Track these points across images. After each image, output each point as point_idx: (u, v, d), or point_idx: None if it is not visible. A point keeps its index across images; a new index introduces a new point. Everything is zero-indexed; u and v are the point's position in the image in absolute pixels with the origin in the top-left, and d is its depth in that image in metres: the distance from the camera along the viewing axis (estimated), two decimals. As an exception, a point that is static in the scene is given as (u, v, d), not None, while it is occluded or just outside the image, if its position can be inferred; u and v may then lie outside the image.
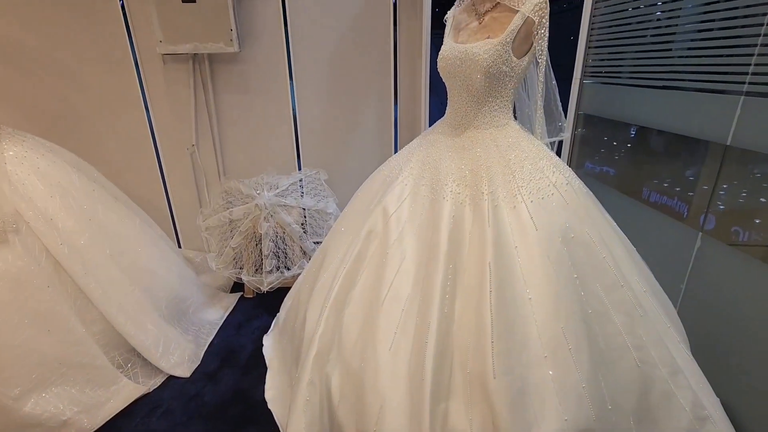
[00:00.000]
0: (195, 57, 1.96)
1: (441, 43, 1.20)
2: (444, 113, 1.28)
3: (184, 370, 1.61)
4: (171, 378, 1.58)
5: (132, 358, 1.59)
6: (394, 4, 1.93)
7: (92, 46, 1.92)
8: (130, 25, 1.91)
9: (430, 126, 1.93)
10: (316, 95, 2.08)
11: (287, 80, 2.04)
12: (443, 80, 1.19)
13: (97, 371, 1.45)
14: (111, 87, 2.00)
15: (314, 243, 1.98)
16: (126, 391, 1.49)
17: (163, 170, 2.20)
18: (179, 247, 2.38)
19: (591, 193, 1.15)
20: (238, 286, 2.15)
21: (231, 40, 1.85)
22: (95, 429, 1.37)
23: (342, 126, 2.15)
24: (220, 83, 2.03)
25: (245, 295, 2.09)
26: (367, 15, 1.95)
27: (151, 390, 1.53)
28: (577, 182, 1.12)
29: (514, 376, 0.91)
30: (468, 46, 1.07)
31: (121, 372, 1.53)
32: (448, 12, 1.21)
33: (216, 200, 2.08)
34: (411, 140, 1.34)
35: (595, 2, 1.79)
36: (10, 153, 1.45)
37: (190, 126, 2.08)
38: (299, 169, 2.20)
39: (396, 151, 2.16)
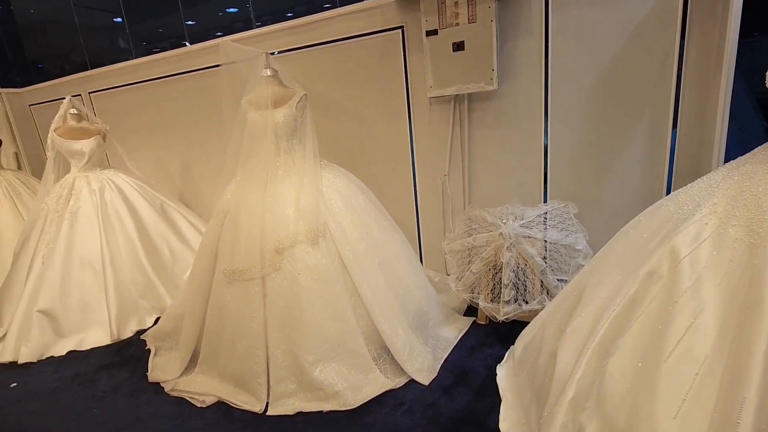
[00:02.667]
0: (456, 97, 2.19)
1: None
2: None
3: (424, 378, 1.75)
4: (412, 381, 1.75)
5: (383, 355, 1.84)
6: (683, 20, 1.68)
7: (379, 98, 2.41)
8: (408, 78, 2.31)
9: (726, 156, 1.57)
10: (572, 126, 2.00)
11: (542, 113, 2.03)
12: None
13: (360, 359, 1.74)
14: (388, 128, 2.44)
15: (558, 280, 1.86)
16: (379, 382, 1.72)
17: (417, 196, 2.52)
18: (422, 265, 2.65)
19: None
20: (470, 311, 2.22)
21: (491, 79, 1.99)
22: (356, 406, 1.63)
23: (599, 157, 1.98)
24: (476, 119, 2.20)
25: (478, 321, 2.13)
26: (642, 36, 1.76)
27: (396, 387, 1.72)
28: None
29: None
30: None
31: (375, 365, 1.79)
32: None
33: (459, 226, 2.23)
34: (691, 174, 1.11)
35: None
36: (325, 179, 1.94)
37: (445, 158, 2.32)
38: (545, 201, 2.13)
39: (669, 186, 1.84)
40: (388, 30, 2.26)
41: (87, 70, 3.71)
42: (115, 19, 3.91)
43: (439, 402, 1.63)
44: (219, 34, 3.28)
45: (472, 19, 1.94)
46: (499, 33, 1.95)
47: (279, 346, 1.69)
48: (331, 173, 1.97)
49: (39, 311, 2.26)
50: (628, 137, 1.90)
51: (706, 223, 0.97)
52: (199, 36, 3.39)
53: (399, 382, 1.74)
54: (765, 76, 1.02)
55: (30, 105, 4.12)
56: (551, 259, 1.91)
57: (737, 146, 1.59)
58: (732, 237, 0.92)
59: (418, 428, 1.51)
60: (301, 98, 1.89)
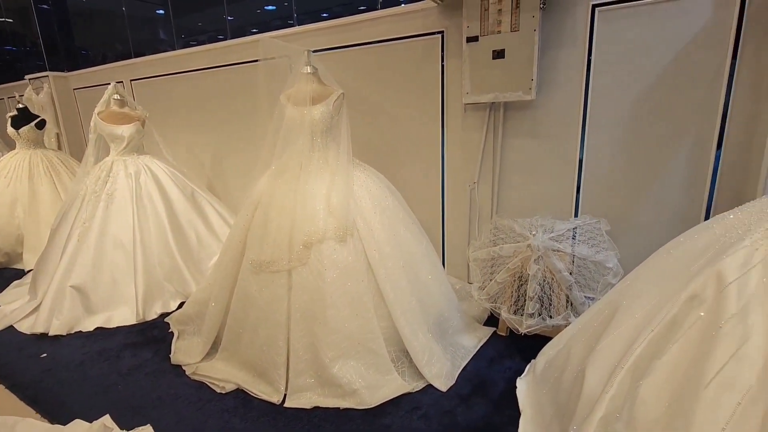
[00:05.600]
0: (492, 105, 2.18)
1: None
2: None
3: (441, 384, 1.74)
4: (429, 387, 1.73)
5: (402, 357, 1.83)
6: (736, 38, 1.63)
7: (415, 101, 2.42)
8: (444, 83, 2.31)
9: (773, 181, 1.51)
10: (610, 142, 1.96)
11: (579, 126, 2.00)
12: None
13: (379, 359, 1.74)
14: (421, 131, 2.45)
15: (585, 297, 1.83)
16: (396, 384, 1.72)
17: (444, 201, 2.51)
18: (443, 271, 2.64)
19: None
20: (490, 321, 2.19)
21: (530, 88, 1.97)
22: (373, 406, 1.63)
23: (636, 174, 1.93)
24: (510, 128, 2.18)
25: (498, 332, 2.11)
26: (693, 53, 1.72)
27: (414, 391, 1.71)
28: None
29: None
30: None
31: (393, 366, 1.78)
32: None
33: (486, 235, 2.21)
34: (734, 197, 1.07)
35: None
36: (357, 178, 1.95)
37: (475, 165, 2.31)
38: (575, 215, 2.09)
39: (709, 208, 1.79)
40: (429, 34, 2.27)
41: (130, 58, 3.85)
42: (158, 11, 4.05)
43: (456, 410, 1.61)
44: (254, 30, 3.35)
45: (514, 28, 1.93)
46: (541, 42, 1.93)
47: (300, 340, 1.70)
48: (363, 173, 1.99)
49: (72, 286, 2.35)
50: (669, 156, 1.85)
51: (758, 249, 0.93)
52: (236, 31, 3.48)
53: (416, 386, 1.73)
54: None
55: (74, 89, 4.29)
56: (579, 275, 1.88)
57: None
58: (785, 265, 0.88)
59: (434, 434, 1.50)
60: (338, 97, 1.91)
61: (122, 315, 2.37)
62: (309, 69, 1.95)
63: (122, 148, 2.73)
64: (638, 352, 1.00)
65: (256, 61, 2.77)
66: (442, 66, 2.29)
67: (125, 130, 2.70)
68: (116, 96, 2.77)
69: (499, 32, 1.97)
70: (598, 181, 2.03)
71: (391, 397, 1.67)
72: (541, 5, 1.86)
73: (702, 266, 1.00)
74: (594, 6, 1.85)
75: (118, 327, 2.32)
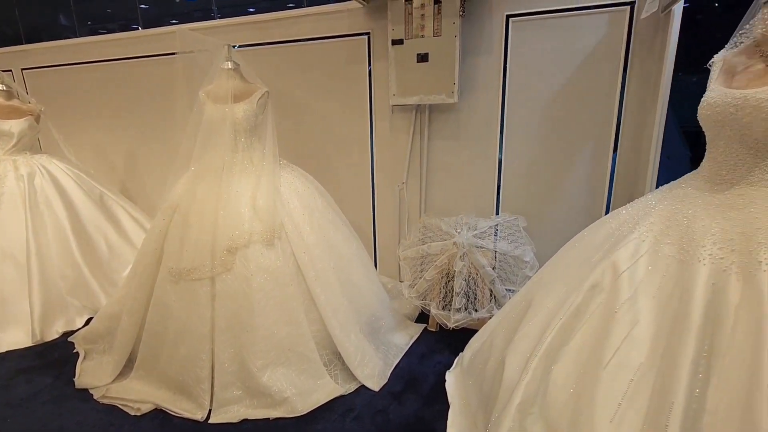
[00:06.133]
0: (418, 107, 2.23)
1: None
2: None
3: (374, 384, 1.75)
4: (362, 388, 1.74)
5: (334, 360, 1.81)
6: (626, 52, 1.83)
7: (342, 102, 2.40)
8: (372, 84, 2.32)
9: (657, 181, 1.72)
10: (525, 142, 2.10)
11: (498, 128, 2.12)
12: (704, 130, 1.05)
13: (310, 364, 1.71)
14: (350, 131, 2.44)
15: (506, 290, 1.94)
16: (328, 388, 1.70)
17: (375, 202, 2.53)
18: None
19: None
20: (421, 318, 2.25)
21: (452, 92, 2.05)
22: (304, 413, 1.60)
23: (548, 176, 2.10)
24: (435, 130, 2.26)
25: (429, 328, 2.17)
26: (591, 65, 1.90)
27: (346, 393, 1.70)
28: None
29: None
30: (749, 92, 0.92)
31: (326, 370, 1.76)
32: (716, 56, 1.08)
33: (415, 234, 2.27)
34: (627, 196, 1.21)
35: None
36: (284, 179, 1.90)
37: (403, 166, 2.35)
38: (497, 213, 2.22)
39: (609, 204, 1.99)
40: (356, 35, 2.27)
41: (21, 44, 3.38)
42: (57, -7, 3.60)
43: (389, 408, 1.63)
44: (173, 21, 3.12)
45: (437, 33, 2.00)
46: (462, 48, 2.01)
47: (226, 350, 1.61)
48: (291, 173, 1.94)
49: (-54, 307, 2.02)
50: (575, 158, 2.03)
51: (644, 240, 1.06)
52: (151, 21, 3.21)
53: (349, 388, 1.73)
54: (689, 109, 1.12)
55: (-52, 77, 3.68)
56: (500, 270, 1.99)
57: (666, 173, 1.76)
58: (665, 254, 1.01)
59: (367, 435, 1.50)
60: (263, 95, 1.84)
61: (13, 337, 2.08)
62: (230, 65, 1.85)
63: (11, 146, 2.39)
64: (549, 340, 1.08)
65: (174, 54, 2.58)
66: (370, 67, 2.30)
67: (14, 125, 2.38)
68: (1, 86, 2.42)
69: (423, 36, 2.02)
70: (516, 181, 2.17)
71: (324, 402, 1.65)
72: (461, 13, 1.94)
73: (601, 257, 1.11)
74: (508, 16, 1.97)
75: (8, 351, 2.03)
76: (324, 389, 1.69)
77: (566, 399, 1.00)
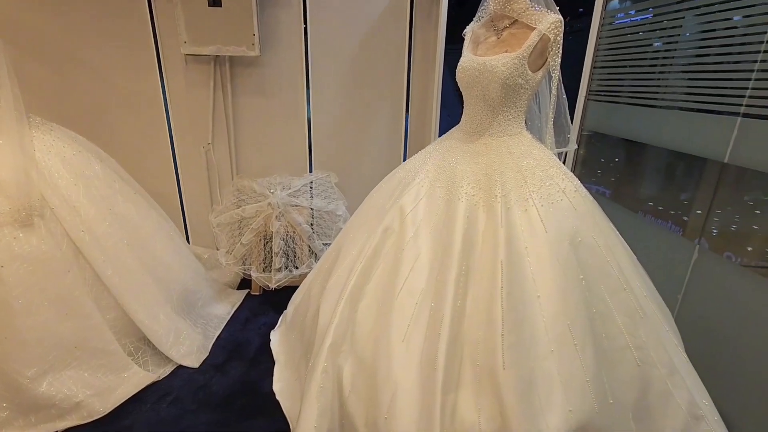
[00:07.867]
0: (217, 59, 2.03)
1: (453, 59, 1.29)
2: (451, 126, 1.37)
3: (193, 361, 1.65)
4: (180, 367, 1.62)
5: (142, 346, 1.62)
6: (410, 19, 2.02)
7: (118, 43, 1.99)
8: (156, 25, 1.99)
9: (439, 136, 2.02)
10: (331, 101, 2.16)
11: (304, 85, 2.11)
12: (461, 90, 1.26)
13: (110, 357, 1.49)
14: (134, 84, 2.06)
15: (323, 244, 2.03)
16: (137, 378, 1.52)
17: (177, 167, 2.25)
18: (188, 243, 2.42)
19: (595, 201, 1.22)
20: (244, 284, 2.19)
21: (253, 44, 1.93)
22: (107, 413, 1.40)
23: (354, 132, 2.22)
24: (239, 85, 2.11)
25: (252, 292, 2.13)
26: (383, 28, 2.04)
27: (160, 378, 1.56)
28: (584, 190, 1.19)
29: (523, 368, 0.96)
30: (486, 59, 1.14)
31: (132, 360, 1.56)
32: (467, 27, 1.29)
33: (228, 198, 2.13)
34: (419, 149, 1.41)
35: (600, 27, 1.89)
36: (39, 141, 1.50)
37: (206, 125, 2.14)
38: (310, 171, 2.26)
39: (405, 159, 2.24)
40: (126, -35, 1.87)
41: None
42: None
43: (211, 382, 1.56)
44: None
45: (228, -25, 1.81)
46: (259, -2, 1.89)
47: (-25, 367, 1.26)
48: (49, 134, 1.54)
49: None
50: (376, 116, 2.20)
51: (422, 186, 1.24)
52: None
53: (163, 372, 1.59)
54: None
55: None
56: (317, 226, 2.06)
57: (447, 129, 2.09)
58: (438, 196, 1.20)
59: (188, 415, 1.42)
60: (-16, 29, 1.38)
61: None
62: None
63: None
64: (353, 282, 1.19)
65: None
66: (150, 9, 1.95)
67: None
68: None
69: (212, -23, 1.81)
70: (326, 138, 2.23)
71: (133, 394, 1.47)
72: (253, -44, 1.80)
73: (391, 204, 1.26)
74: (303, -31, 1.92)
75: None
76: (131, 381, 1.50)
77: (369, 330, 1.13)
